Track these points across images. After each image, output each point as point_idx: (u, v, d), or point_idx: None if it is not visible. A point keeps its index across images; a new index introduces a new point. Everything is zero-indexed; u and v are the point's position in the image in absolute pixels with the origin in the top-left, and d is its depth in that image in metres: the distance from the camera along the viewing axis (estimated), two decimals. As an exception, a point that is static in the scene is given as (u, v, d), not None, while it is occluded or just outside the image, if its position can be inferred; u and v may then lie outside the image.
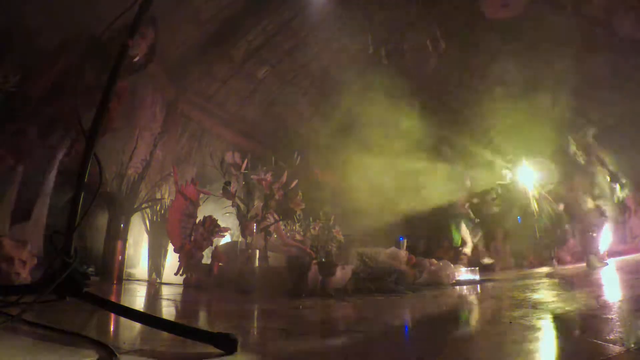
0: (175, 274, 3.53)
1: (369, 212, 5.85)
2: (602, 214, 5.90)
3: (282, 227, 4.46)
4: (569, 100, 5.58)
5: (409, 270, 3.82)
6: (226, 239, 4.54)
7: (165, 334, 1.19)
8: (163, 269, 4.06)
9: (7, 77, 2.92)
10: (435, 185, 6.45)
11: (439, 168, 6.59)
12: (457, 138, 6.79)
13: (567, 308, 2.06)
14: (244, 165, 3.89)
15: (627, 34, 5.10)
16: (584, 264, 5.24)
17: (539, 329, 1.58)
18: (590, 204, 5.99)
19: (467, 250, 6.47)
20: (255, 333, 1.61)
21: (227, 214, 4.37)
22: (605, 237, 5.86)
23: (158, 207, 4.16)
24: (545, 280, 4.22)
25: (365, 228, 5.73)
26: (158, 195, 4.25)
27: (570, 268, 5.54)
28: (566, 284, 3.65)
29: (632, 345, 1.07)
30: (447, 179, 6.60)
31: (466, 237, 6.57)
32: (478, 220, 6.77)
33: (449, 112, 6.89)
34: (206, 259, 3.76)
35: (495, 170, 6.86)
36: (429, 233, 6.64)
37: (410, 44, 6.57)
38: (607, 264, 4.97)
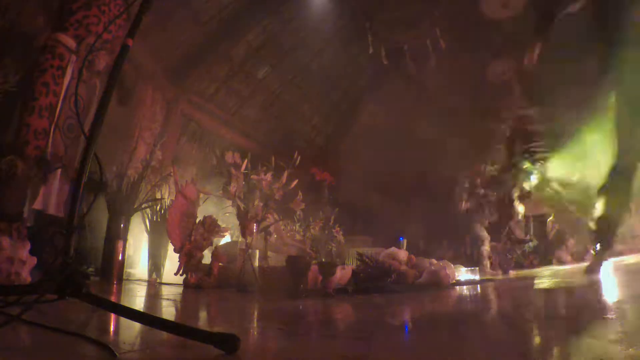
0: (175, 274, 3.53)
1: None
2: None
3: (282, 227, 4.47)
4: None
5: (409, 270, 3.82)
6: (226, 239, 4.54)
7: (165, 334, 1.19)
8: (163, 269, 4.06)
9: (7, 77, 2.92)
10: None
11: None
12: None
13: (566, 308, 2.06)
14: (244, 165, 3.89)
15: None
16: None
17: (539, 329, 1.58)
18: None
19: None
20: (256, 333, 1.61)
21: (227, 214, 4.36)
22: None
23: (158, 207, 4.16)
24: (544, 280, 4.23)
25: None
26: (158, 195, 4.24)
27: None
28: (565, 284, 3.65)
29: (633, 346, 1.07)
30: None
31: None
32: None
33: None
34: (206, 259, 3.76)
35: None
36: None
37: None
38: None
